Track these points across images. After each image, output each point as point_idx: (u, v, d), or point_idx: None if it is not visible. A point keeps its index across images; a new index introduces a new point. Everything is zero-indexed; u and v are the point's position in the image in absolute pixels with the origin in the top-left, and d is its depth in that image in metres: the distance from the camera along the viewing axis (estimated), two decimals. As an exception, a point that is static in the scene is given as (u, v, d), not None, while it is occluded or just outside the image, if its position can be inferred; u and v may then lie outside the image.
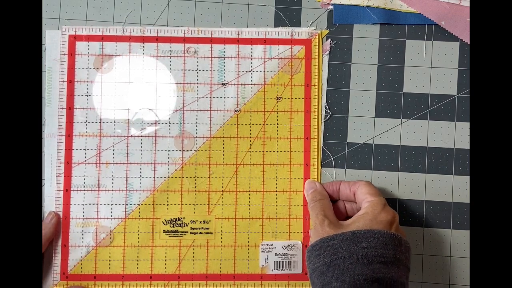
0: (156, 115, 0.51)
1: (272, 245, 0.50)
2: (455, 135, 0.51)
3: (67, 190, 0.50)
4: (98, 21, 0.51)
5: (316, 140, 0.51)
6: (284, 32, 0.51)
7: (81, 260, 0.50)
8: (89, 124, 0.51)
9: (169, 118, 0.51)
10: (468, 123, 0.51)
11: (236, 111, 0.51)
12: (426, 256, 0.51)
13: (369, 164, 0.51)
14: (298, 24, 0.52)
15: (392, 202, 0.51)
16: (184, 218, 0.50)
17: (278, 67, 0.51)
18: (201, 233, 0.50)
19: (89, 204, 0.50)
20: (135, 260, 0.50)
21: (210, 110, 0.51)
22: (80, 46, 0.51)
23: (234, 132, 0.51)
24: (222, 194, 0.51)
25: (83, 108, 0.51)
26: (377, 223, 0.42)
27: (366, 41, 0.52)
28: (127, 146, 0.51)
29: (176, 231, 0.50)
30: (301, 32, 0.51)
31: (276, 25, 0.51)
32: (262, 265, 0.50)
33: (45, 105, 0.50)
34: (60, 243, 0.50)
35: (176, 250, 0.50)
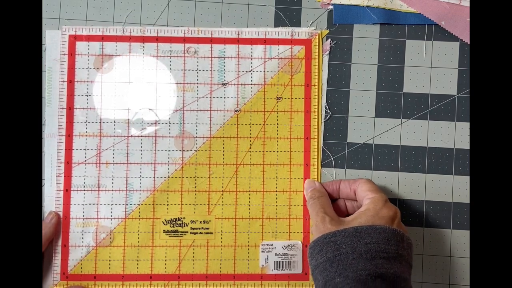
0: (156, 115, 0.51)
1: (272, 245, 0.50)
2: (455, 135, 0.51)
3: (67, 190, 0.50)
4: (98, 21, 0.51)
5: (316, 140, 0.51)
6: (284, 32, 0.51)
7: (81, 260, 0.50)
8: (89, 124, 0.51)
9: (169, 118, 0.51)
10: (468, 123, 0.51)
11: (236, 111, 0.51)
12: (426, 256, 0.51)
13: (369, 164, 0.51)
14: (298, 24, 0.52)
15: (392, 202, 0.50)
16: (184, 218, 0.50)
17: (278, 67, 0.51)
18: (201, 233, 0.50)
19: (89, 204, 0.50)
20: (135, 260, 0.50)
21: (210, 110, 0.51)
22: (80, 46, 0.51)
23: (234, 132, 0.51)
24: (222, 194, 0.51)
25: (83, 108, 0.51)
26: (379, 218, 0.42)
27: (366, 41, 0.52)
28: (127, 146, 0.51)
29: (176, 231, 0.50)
30: (301, 32, 0.51)
31: (276, 25, 0.51)
32: (262, 265, 0.50)
33: (45, 105, 0.50)
34: (60, 243, 0.50)
35: (176, 250, 0.50)
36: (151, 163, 0.51)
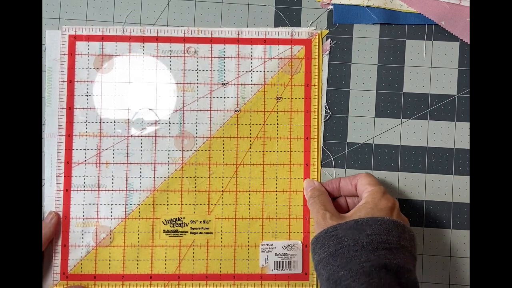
0: (156, 115, 0.51)
1: (272, 245, 0.50)
2: (455, 135, 0.51)
3: (67, 190, 0.50)
4: (98, 21, 0.51)
5: (316, 140, 0.51)
6: (284, 32, 0.51)
7: (81, 260, 0.50)
8: (89, 124, 0.51)
9: (169, 118, 0.51)
10: (468, 123, 0.51)
11: (236, 111, 0.51)
12: (426, 256, 0.51)
13: (369, 164, 0.51)
14: (298, 24, 0.52)
15: (392, 202, 0.51)
16: (184, 218, 0.50)
17: (278, 67, 0.51)
18: (201, 233, 0.50)
19: (89, 204, 0.50)
20: (135, 260, 0.50)
21: (210, 110, 0.51)
22: (80, 46, 0.51)
23: (234, 132, 0.51)
24: (222, 194, 0.51)
25: (83, 108, 0.51)
26: (378, 210, 0.42)
27: (366, 41, 0.52)
28: (127, 146, 0.51)
29: (176, 231, 0.50)
30: (301, 32, 0.51)
31: (276, 25, 0.51)
32: (262, 265, 0.50)
33: (45, 105, 0.50)
34: (60, 243, 0.50)
35: (176, 250, 0.50)
36: (151, 163, 0.51)
